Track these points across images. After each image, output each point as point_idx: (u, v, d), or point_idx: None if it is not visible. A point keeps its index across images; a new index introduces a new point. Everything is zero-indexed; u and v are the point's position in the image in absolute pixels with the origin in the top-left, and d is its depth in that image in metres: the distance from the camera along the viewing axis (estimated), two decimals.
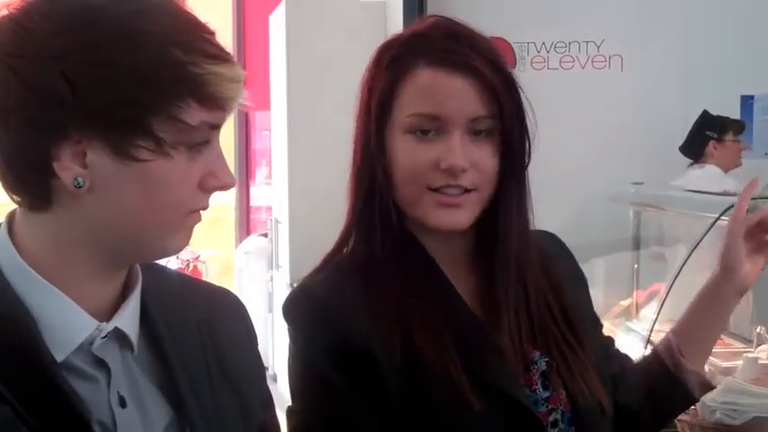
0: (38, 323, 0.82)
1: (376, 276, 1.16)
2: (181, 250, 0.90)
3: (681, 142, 3.80)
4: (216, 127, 0.85)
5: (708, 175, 3.40)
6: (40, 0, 0.81)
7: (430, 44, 1.14)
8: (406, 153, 1.14)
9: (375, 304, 1.14)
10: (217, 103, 0.83)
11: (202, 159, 0.85)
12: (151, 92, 0.80)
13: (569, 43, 3.85)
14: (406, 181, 1.14)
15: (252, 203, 7.32)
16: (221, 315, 1.03)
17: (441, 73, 1.12)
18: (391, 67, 1.15)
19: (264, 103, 5.36)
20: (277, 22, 4.67)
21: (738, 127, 3.43)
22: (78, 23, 0.79)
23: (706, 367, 2.21)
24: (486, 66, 1.12)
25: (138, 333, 0.90)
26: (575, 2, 3.88)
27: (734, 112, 3.91)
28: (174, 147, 0.82)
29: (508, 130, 1.14)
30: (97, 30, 0.80)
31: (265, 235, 5.52)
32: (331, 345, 1.12)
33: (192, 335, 0.95)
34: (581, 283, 1.32)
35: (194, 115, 0.82)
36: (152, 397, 0.89)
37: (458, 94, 1.12)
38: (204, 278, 6.73)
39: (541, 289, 1.21)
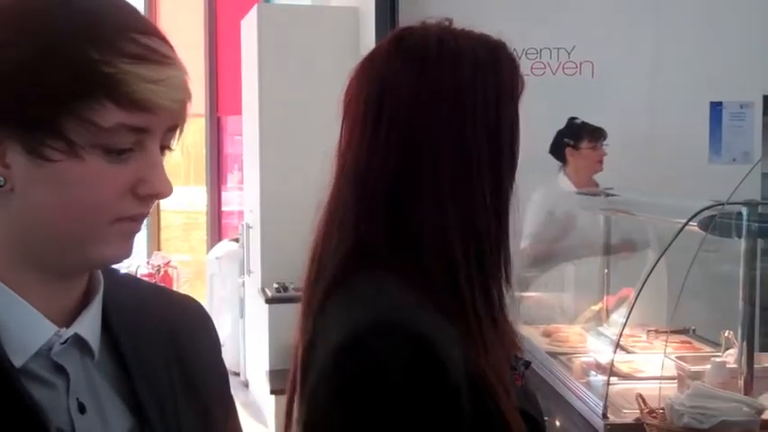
0: None
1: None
2: (114, 260, 0.85)
3: (650, 148, 3.84)
4: (142, 130, 0.80)
5: (564, 182, 3.48)
6: None
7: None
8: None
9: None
10: (136, 105, 0.78)
11: (133, 164, 0.81)
12: (59, 91, 0.77)
13: (540, 50, 3.88)
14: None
15: (223, 208, 7.29)
16: (185, 324, 1.01)
17: None
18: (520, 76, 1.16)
19: (236, 108, 5.34)
20: (249, 26, 4.65)
21: (596, 135, 3.48)
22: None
23: (675, 371, 2.24)
24: None
25: (100, 340, 0.89)
26: (546, 8, 3.90)
27: (703, 119, 3.95)
28: (87, 149, 0.78)
29: None
30: (10, 26, 0.78)
31: (237, 240, 5.50)
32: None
33: (154, 344, 0.94)
34: None
35: (109, 117, 0.77)
36: (112, 404, 0.88)
37: None
38: (175, 283, 6.70)
39: None
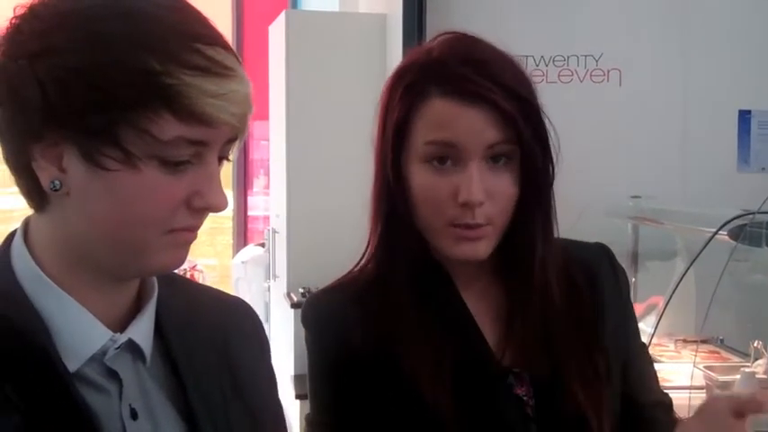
0: (51, 332, 0.81)
1: (389, 296, 1.18)
2: (168, 269, 0.85)
3: (679, 156, 3.80)
4: (200, 143, 0.79)
5: None
6: (43, 3, 0.80)
7: (444, 73, 1.11)
8: (424, 184, 1.12)
9: (381, 322, 1.16)
10: (196, 119, 0.77)
11: (189, 177, 0.80)
12: (118, 101, 0.76)
13: (568, 57, 3.86)
14: (426, 213, 1.14)
15: (249, 213, 7.31)
16: (236, 328, 1.01)
17: (455, 104, 1.10)
18: (406, 96, 1.13)
19: (263, 114, 5.36)
20: (276, 32, 4.67)
21: None
22: (57, 25, 0.78)
23: (703, 381, 2.22)
24: (502, 94, 1.10)
25: (152, 345, 0.89)
26: (574, 16, 3.88)
27: (732, 127, 3.91)
28: (144, 160, 0.77)
29: (528, 156, 1.12)
30: (71, 32, 0.77)
31: (263, 245, 5.51)
32: (328, 353, 1.19)
33: (205, 349, 0.94)
34: (619, 311, 1.26)
35: (168, 129, 0.77)
36: (164, 410, 0.88)
37: (473, 124, 1.09)
38: None
39: (559, 317, 1.18)
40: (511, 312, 1.19)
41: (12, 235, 0.87)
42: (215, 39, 0.81)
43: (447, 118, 1.10)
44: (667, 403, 1.29)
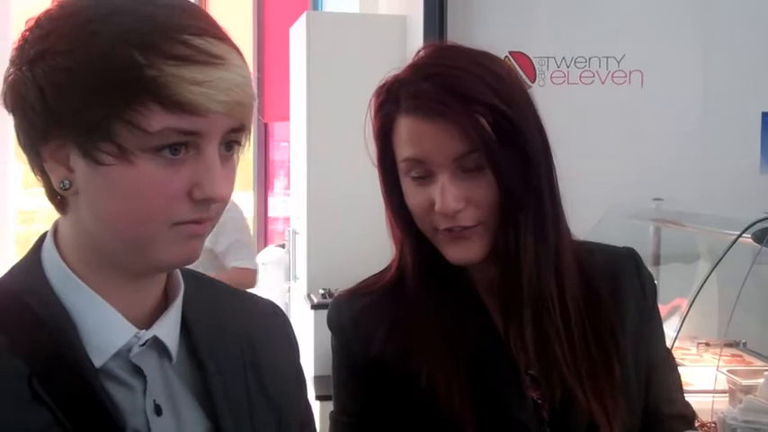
0: (78, 328, 0.83)
1: (406, 300, 1.21)
2: (180, 262, 0.85)
3: (701, 158, 3.78)
4: (193, 134, 0.80)
5: None
6: (48, 11, 0.83)
7: (406, 91, 1.15)
8: (410, 196, 1.17)
9: (400, 327, 1.19)
10: (182, 108, 0.78)
11: (188, 169, 0.81)
12: (107, 96, 0.78)
13: (589, 58, 3.85)
14: (418, 221, 1.18)
15: (270, 214, 7.34)
16: (265, 329, 1.02)
17: (417, 120, 1.13)
18: (379, 114, 1.19)
19: (283, 115, 5.37)
20: (297, 33, 4.68)
21: None
22: (52, 31, 0.80)
23: (726, 385, 2.20)
24: (463, 106, 1.11)
25: (179, 343, 0.90)
26: (595, 17, 3.87)
27: (755, 129, 3.88)
28: (137, 153, 0.79)
29: (496, 163, 1.12)
30: (64, 36, 0.79)
31: (283, 246, 5.52)
32: (351, 357, 1.23)
33: (231, 347, 0.95)
34: (643, 316, 1.26)
35: (156, 120, 0.78)
36: (188, 407, 0.89)
37: (436, 139, 1.12)
38: None
39: (572, 318, 1.18)
40: (507, 314, 1.19)
41: (44, 236, 0.89)
42: (204, 29, 0.81)
43: (413, 135, 1.14)
44: (689, 417, 1.29)
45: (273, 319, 1.05)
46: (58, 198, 0.85)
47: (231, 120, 0.82)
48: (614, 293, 1.23)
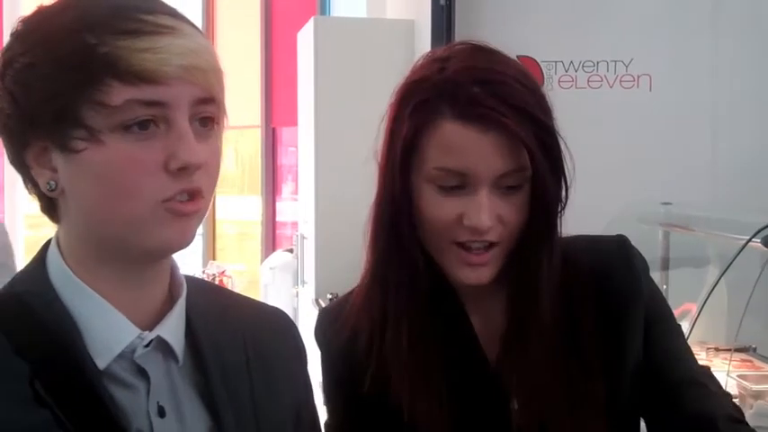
0: (81, 330, 0.84)
1: (393, 322, 1.15)
2: (173, 244, 0.86)
3: (710, 162, 3.77)
4: (157, 104, 0.81)
5: None
6: (11, 31, 0.85)
7: (456, 93, 1.06)
8: (430, 205, 1.09)
9: (379, 351, 1.16)
10: (139, 77, 0.79)
11: (161, 142, 0.82)
12: (67, 81, 0.80)
13: (597, 62, 3.84)
14: (431, 233, 1.11)
15: (278, 219, 7.34)
16: (271, 335, 1.02)
17: (467, 128, 1.05)
18: (415, 113, 1.09)
19: (291, 120, 5.38)
20: (305, 38, 4.69)
21: None
22: (16, 37, 0.84)
23: (736, 390, 2.19)
24: (517, 117, 1.05)
25: (184, 345, 0.91)
26: (603, 21, 3.86)
27: (764, 133, 3.87)
28: (105, 132, 0.80)
29: (540, 184, 1.08)
30: (25, 38, 0.83)
31: (291, 250, 5.53)
32: (333, 375, 1.23)
33: (237, 352, 0.96)
34: (638, 306, 1.18)
35: (117, 95, 0.79)
36: (193, 409, 0.90)
37: (485, 152, 1.05)
38: None
39: (552, 341, 1.14)
40: (510, 335, 1.15)
41: (49, 241, 0.91)
42: (155, 8, 0.83)
43: (457, 144, 1.06)
44: (703, 380, 1.18)
45: (280, 326, 1.06)
46: (48, 205, 0.88)
47: (194, 87, 0.83)
48: (600, 297, 1.16)
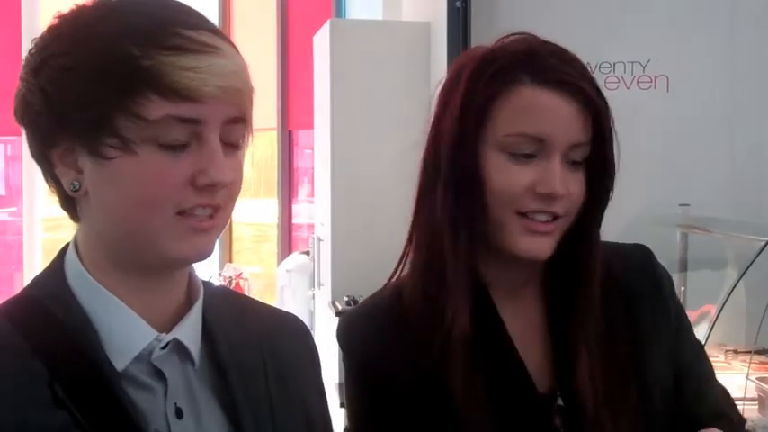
0: (99, 332, 0.84)
1: (435, 322, 1.11)
2: (188, 258, 0.86)
3: (728, 163, 3.74)
4: (193, 122, 0.82)
5: None
6: (48, 24, 0.86)
7: (537, 62, 1.07)
8: (501, 173, 1.07)
9: (425, 350, 1.11)
10: (179, 95, 0.80)
11: (191, 157, 0.83)
12: (106, 89, 0.80)
13: (614, 63, 3.82)
14: (497, 204, 1.07)
15: (294, 221, 7.35)
16: (287, 341, 1.03)
17: (547, 93, 1.06)
18: (492, 82, 1.08)
19: (307, 122, 5.38)
20: (321, 41, 4.69)
21: None
22: (54, 37, 0.84)
23: (756, 393, 2.17)
24: (594, 90, 1.07)
25: (201, 349, 0.91)
26: (620, 22, 3.85)
27: None
28: (139, 144, 0.81)
29: (604, 157, 1.10)
30: (63, 40, 0.83)
31: (307, 253, 5.53)
32: (361, 378, 1.18)
33: (252, 354, 0.96)
34: (663, 319, 1.18)
35: (155, 109, 0.80)
36: (210, 411, 0.90)
37: (564, 118, 1.06)
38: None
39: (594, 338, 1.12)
40: (557, 331, 1.14)
41: (68, 245, 0.91)
42: (198, 24, 0.84)
43: (537, 108, 1.05)
44: (731, 417, 1.18)
45: (296, 332, 1.06)
46: (69, 205, 0.88)
47: (230, 107, 0.84)
48: (628, 303, 1.16)
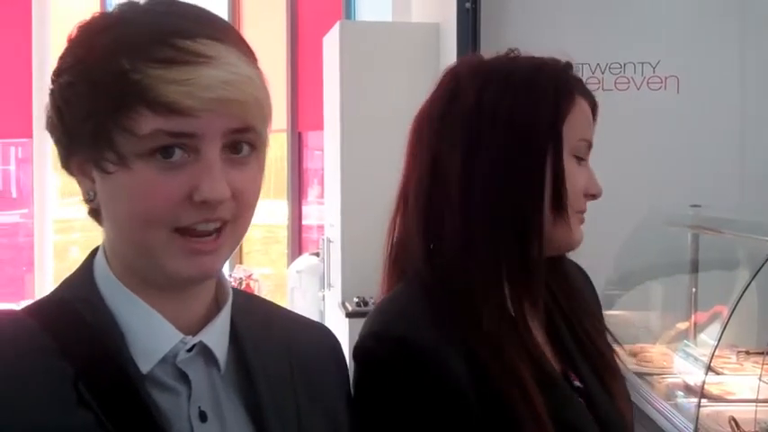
0: (125, 335, 0.85)
1: (472, 308, 1.12)
2: (188, 278, 0.84)
3: (739, 164, 3.73)
4: (186, 135, 0.79)
5: None
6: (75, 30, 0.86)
7: (575, 75, 1.24)
8: (574, 176, 1.18)
9: (480, 355, 1.10)
10: (167, 107, 0.78)
11: (188, 172, 0.81)
12: (102, 104, 0.80)
13: (624, 64, 3.81)
14: (572, 202, 1.18)
15: (304, 222, 7.35)
16: (312, 350, 1.01)
17: (589, 102, 1.22)
18: (572, 95, 1.19)
19: (317, 124, 5.39)
20: (331, 43, 4.70)
21: None
22: (65, 52, 0.85)
23: None
24: None
25: (228, 353, 0.91)
26: (630, 22, 3.84)
27: None
28: (132, 159, 0.80)
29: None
30: (69, 54, 0.84)
31: (317, 254, 5.53)
32: (431, 399, 1.08)
33: (281, 362, 0.95)
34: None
35: (146, 124, 0.78)
36: (235, 416, 0.90)
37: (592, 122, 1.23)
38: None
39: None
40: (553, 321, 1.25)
41: (98, 248, 0.92)
42: (198, 32, 0.81)
43: (588, 115, 1.22)
44: None
45: (325, 342, 1.05)
46: (92, 210, 0.89)
47: (229, 118, 0.81)
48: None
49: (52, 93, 0.85)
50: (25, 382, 0.79)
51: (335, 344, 1.06)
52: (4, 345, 0.83)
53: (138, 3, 0.85)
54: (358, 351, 1.12)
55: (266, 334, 0.96)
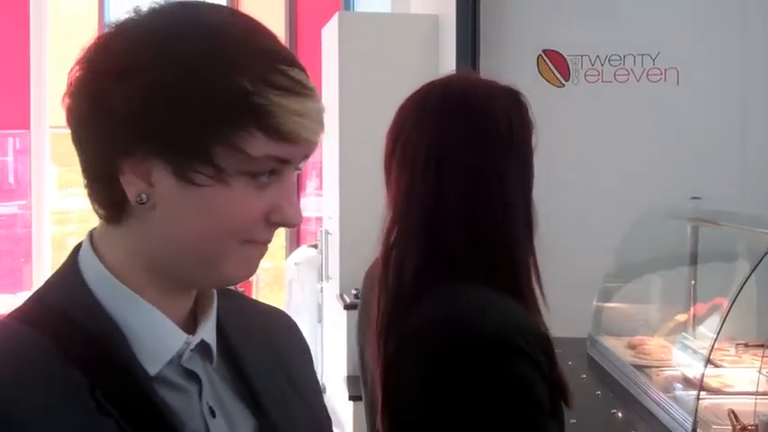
0: (128, 337, 0.83)
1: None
2: (240, 280, 0.87)
3: (739, 156, 3.73)
4: (285, 161, 0.83)
5: None
6: (132, 22, 0.82)
7: None
8: None
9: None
10: (283, 137, 0.81)
11: (270, 192, 0.83)
12: (210, 119, 0.79)
13: (624, 56, 3.81)
14: None
15: (302, 214, 7.35)
16: (282, 334, 1.04)
17: None
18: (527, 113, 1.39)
19: None
20: (329, 34, 4.69)
21: None
22: (146, 45, 0.80)
23: (767, 386, 2.16)
24: None
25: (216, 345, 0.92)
26: (629, 14, 3.83)
27: None
28: (234, 176, 0.80)
29: None
30: (160, 52, 0.79)
31: (315, 246, 5.53)
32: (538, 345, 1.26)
33: (259, 348, 0.97)
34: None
35: (258, 146, 0.80)
36: (235, 407, 0.91)
37: None
38: (254, 288, 6.79)
39: None
40: None
41: (78, 247, 0.89)
42: (292, 59, 0.84)
43: None
44: None
45: (290, 326, 1.08)
46: (117, 209, 0.84)
47: (313, 147, 0.86)
48: None
49: (119, 83, 0.79)
50: (43, 390, 0.77)
51: (297, 328, 1.09)
52: (14, 352, 0.80)
53: (204, 4, 0.85)
54: (485, 344, 1.19)
55: (245, 323, 0.98)
